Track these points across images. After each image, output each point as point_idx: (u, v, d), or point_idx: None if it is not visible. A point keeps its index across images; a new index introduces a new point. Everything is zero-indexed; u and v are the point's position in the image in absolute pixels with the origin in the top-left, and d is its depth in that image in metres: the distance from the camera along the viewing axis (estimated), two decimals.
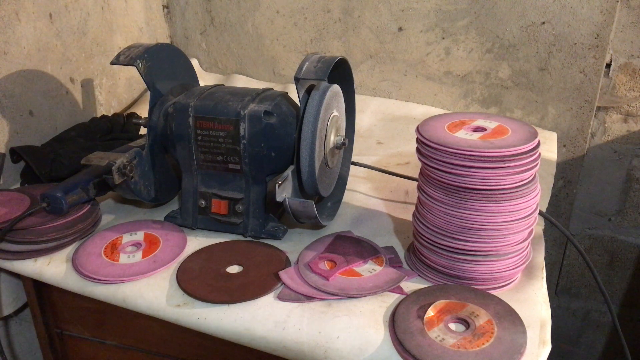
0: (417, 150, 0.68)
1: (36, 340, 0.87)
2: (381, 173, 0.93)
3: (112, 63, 0.80)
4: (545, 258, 0.74)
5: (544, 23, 1.11)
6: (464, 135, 0.64)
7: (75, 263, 0.73)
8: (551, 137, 1.14)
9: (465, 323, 0.61)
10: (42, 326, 0.84)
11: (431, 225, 0.67)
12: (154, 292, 0.68)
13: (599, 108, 1.16)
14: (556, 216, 1.25)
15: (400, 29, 1.21)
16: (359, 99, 0.97)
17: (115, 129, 1.04)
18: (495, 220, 0.63)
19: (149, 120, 0.81)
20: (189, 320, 0.66)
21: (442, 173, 0.63)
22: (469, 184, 0.61)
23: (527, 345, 0.58)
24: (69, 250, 0.76)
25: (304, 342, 0.61)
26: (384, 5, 1.20)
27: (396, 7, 1.19)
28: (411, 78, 1.25)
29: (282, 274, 0.69)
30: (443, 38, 1.19)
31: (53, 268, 0.74)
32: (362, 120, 1.20)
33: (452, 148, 0.61)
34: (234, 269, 0.72)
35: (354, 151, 0.92)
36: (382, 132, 1.17)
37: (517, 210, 0.63)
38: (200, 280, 0.69)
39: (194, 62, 1.39)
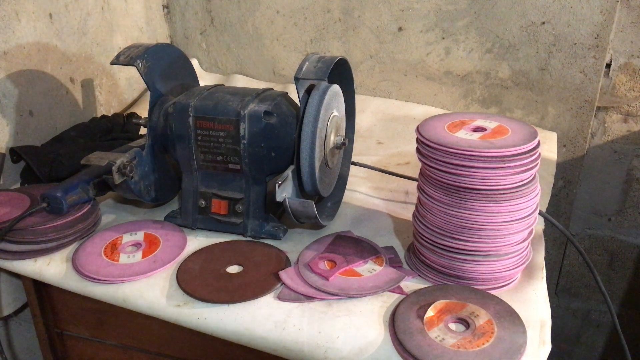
0: (417, 150, 0.68)
1: (36, 340, 0.87)
2: (381, 173, 0.93)
3: (112, 63, 0.80)
4: (545, 258, 0.74)
5: (544, 23, 1.11)
6: (464, 135, 0.64)
7: (75, 263, 0.73)
8: (551, 137, 1.14)
9: (465, 323, 0.61)
10: (42, 326, 0.84)
11: (431, 225, 0.67)
12: (154, 292, 0.68)
13: (599, 108, 1.16)
14: (556, 216, 1.25)
15: (400, 29, 1.21)
16: (359, 99, 0.97)
17: (115, 129, 1.04)
18: (495, 220, 0.63)
19: (149, 120, 0.81)
20: (189, 320, 0.66)
21: (442, 173, 0.63)
22: (469, 184, 0.61)
23: (527, 345, 0.58)
24: (69, 250, 0.76)
25: (304, 342, 0.61)
26: (384, 5, 1.20)
27: (396, 7, 1.19)
28: (411, 78, 1.25)
29: (282, 274, 0.69)
30: (443, 38, 1.19)
31: (53, 268, 0.74)
32: (362, 120, 1.20)
33: (452, 148, 0.61)
34: (234, 269, 0.72)
35: (354, 151, 0.92)
36: (382, 132, 1.17)
37: (517, 210, 0.63)
38: (200, 280, 0.69)
39: (194, 62, 1.39)
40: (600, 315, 1.34)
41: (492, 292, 0.66)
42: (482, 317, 0.61)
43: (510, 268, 0.66)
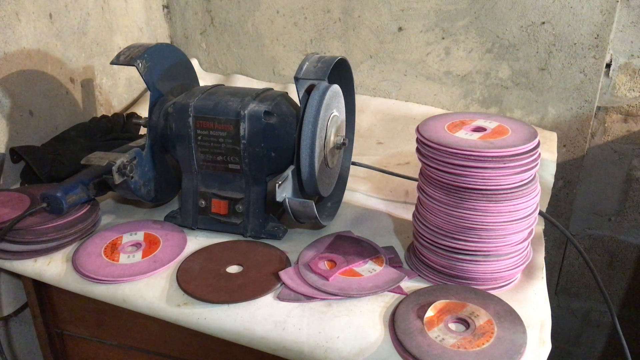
0: (417, 150, 0.68)
1: (36, 340, 0.87)
2: (381, 173, 0.93)
3: (112, 63, 0.80)
4: (545, 258, 0.74)
5: (544, 23, 1.11)
6: (464, 135, 0.64)
7: (75, 263, 0.73)
8: (551, 137, 1.14)
9: (465, 323, 0.61)
10: (42, 326, 0.84)
11: (431, 225, 0.67)
12: (154, 292, 0.68)
13: (599, 108, 1.16)
14: (556, 216, 1.25)
15: (400, 29, 1.21)
16: (359, 99, 0.98)
17: (115, 129, 1.04)
18: (495, 220, 0.63)
19: (149, 120, 0.81)
20: (189, 320, 0.66)
21: (442, 173, 0.63)
22: (469, 184, 0.61)
23: (527, 345, 0.58)
24: (69, 250, 0.76)
25: (304, 342, 0.61)
26: (384, 5, 1.20)
27: (396, 7, 1.19)
28: (411, 78, 1.25)
29: (282, 274, 0.69)
30: (443, 38, 1.19)
31: (53, 268, 0.74)
32: (362, 120, 1.20)
33: (452, 148, 0.61)
34: (233, 269, 0.72)
35: (354, 151, 0.92)
36: (382, 132, 1.17)
37: (517, 210, 0.63)
38: (200, 280, 0.69)
39: (194, 62, 1.39)
40: (600, 315, 1.34)
41: (492, 292, 0.66)
42: (482, 317, 0.61)
43: (510, 268, 0.66)
